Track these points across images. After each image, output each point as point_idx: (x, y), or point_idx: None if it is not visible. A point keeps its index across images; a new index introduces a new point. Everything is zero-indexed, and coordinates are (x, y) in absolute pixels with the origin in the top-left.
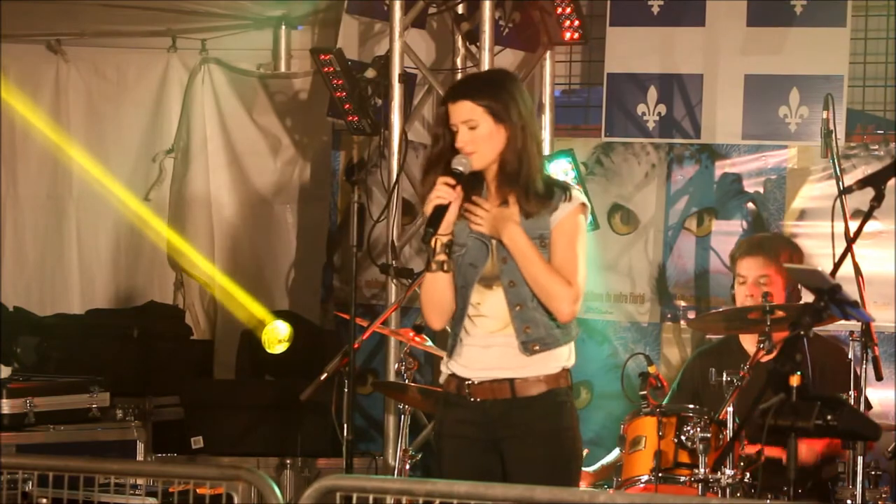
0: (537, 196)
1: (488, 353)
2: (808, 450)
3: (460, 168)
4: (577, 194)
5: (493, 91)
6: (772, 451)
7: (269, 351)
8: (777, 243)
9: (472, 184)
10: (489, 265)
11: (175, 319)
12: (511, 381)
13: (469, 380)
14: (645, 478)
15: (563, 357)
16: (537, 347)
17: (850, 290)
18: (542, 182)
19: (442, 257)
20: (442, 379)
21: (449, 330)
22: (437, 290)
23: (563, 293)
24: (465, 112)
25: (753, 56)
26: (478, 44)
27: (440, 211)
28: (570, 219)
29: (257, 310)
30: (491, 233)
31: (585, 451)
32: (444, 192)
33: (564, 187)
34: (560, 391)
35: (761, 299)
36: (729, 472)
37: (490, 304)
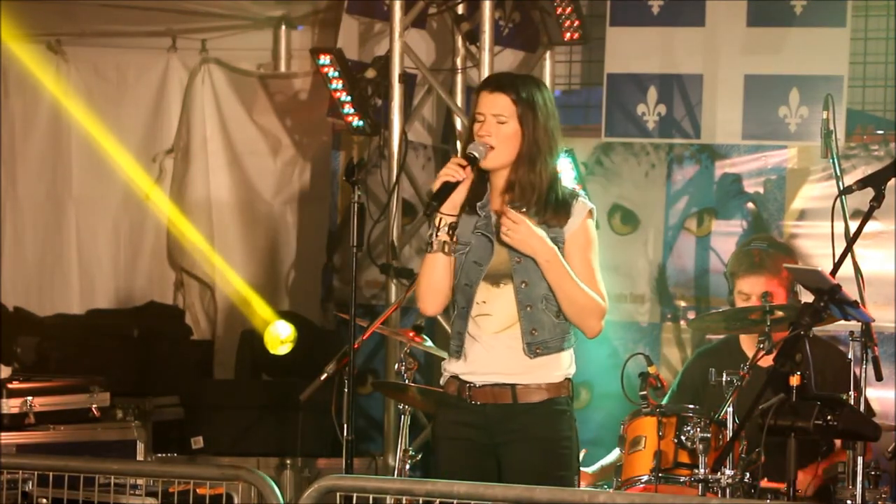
0: (555, 207)
1: (492, 355)
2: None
3: (475, 154)
4: (586, 201)
5: (530, 96)
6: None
7: (271, 352)
8: (777, 259)
9: (476, 188)
10: (495, 262)
11: (175, 319)
12: (513, 386)
13: (471, 383)
14: (645, 478)
15: (564, 364)
16: (540, 350)
17: (850, 290)
18: (559, 192)
19: (444, 237)
20: (443, 380)
21: (450, 329)
22: (435, 272)
23: (599, 310)
24: (500, 106)
25: (753, 56)
26: (478, 44)
27: (447, 187)
28: (584, 229)
29: (260, 307)
30: (519, 247)
31: (583, 452)
32: (453, 171)
33: (573, 194)
34: (561, 400)
35: None
36: (729, 472)
37: (496, 303)
